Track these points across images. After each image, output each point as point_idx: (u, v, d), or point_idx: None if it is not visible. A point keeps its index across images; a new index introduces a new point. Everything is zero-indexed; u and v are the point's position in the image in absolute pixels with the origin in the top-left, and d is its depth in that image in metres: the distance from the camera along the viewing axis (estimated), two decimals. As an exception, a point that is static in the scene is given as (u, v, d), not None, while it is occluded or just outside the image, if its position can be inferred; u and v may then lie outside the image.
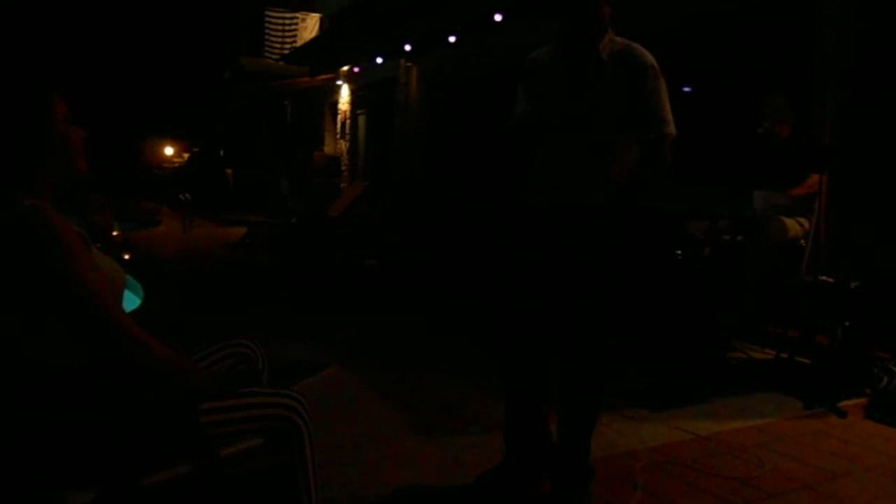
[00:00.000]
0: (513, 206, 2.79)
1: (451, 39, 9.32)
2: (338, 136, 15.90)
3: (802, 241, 4.62)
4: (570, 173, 2.62)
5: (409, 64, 11.82)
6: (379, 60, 11.45)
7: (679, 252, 4.79)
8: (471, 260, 6.88)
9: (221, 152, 23.38)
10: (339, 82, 14.96)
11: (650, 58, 2.61)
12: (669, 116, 2.61)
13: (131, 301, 5.50)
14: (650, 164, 2.63)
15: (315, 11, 16.10)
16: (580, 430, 2.70)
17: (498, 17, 8.01)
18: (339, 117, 15.69)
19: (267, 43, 15.90)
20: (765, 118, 4.90)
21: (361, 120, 15.02)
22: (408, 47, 9.88)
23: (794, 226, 4.64)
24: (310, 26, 15.95)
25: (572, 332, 2.65)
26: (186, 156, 25.48)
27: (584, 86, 2.59)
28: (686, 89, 6.86)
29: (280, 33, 15.90)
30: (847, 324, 4.02)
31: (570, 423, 2.71)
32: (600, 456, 3.08)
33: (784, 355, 4.32)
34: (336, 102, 15.77)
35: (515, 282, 2.73)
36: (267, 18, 15.94)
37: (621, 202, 2.61)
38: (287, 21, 15.99)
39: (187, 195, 14.22)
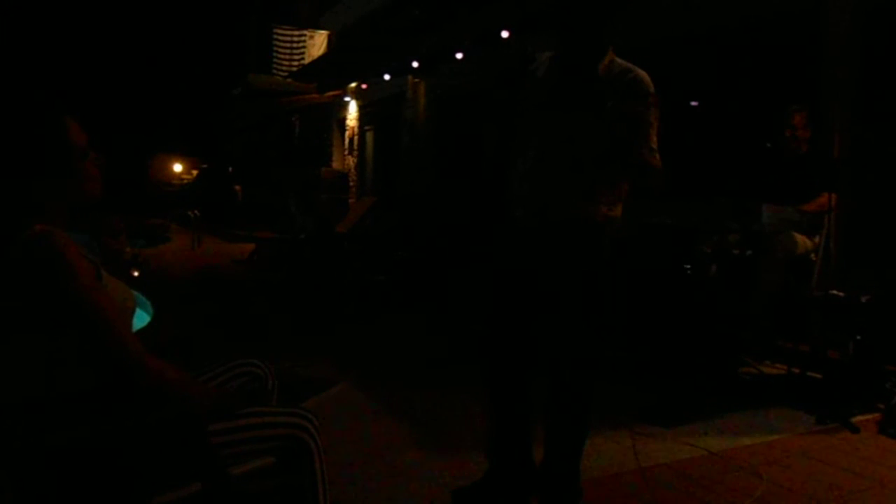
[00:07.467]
0: (499, 223, 2.79)
1: (459, 56, 9.37)
2: (346, 152, 15.97)
3: (812, 256, 4.60)
4: (553, 187, 2.59)
5: (416, 80, 11.89)
6: (387, 77, 11.53)
7: (688, 267, 4.77)
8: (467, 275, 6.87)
9: (230, 169, 23.48)
10: (346, 99, 15.05)
11: (650, 86, 2.56)
12: (655, 146, 2.57)
13: (140, 318, 5.51)
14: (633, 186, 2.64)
15: (323, 29, 16.21)
16: (567, 447, 2.66)
17: (504, 34, 8.06)
18: (347, 133, 15.77)
19: (275, 60, 16.01)
20: (785, 130, 4.81)
21: (369, 136, 15.09)
22: (415, 64, 9.94)
23: (803, 240, 4.62)
24: (318, 43, 16.06)
25: (558, 349, 2.63)
26: (195, 172, 25.59)
27: (577, 102, 2.54)
28: (693, 104, 6.86)
29: (288, 50, 16.01)
30: (859, 338, 3.99)
31: (557, 439, 2.66)
32: (609, 473, 3.07)
33: (795, 370, 4.29)
34: (344, 119, 15.86)
35: (502, 299, 2.73)
36: (275, 36, 16.06)
37: (607, 220, 2.59)
38: (295, 38, 16.10)
39: (196, 212, 14.28)
